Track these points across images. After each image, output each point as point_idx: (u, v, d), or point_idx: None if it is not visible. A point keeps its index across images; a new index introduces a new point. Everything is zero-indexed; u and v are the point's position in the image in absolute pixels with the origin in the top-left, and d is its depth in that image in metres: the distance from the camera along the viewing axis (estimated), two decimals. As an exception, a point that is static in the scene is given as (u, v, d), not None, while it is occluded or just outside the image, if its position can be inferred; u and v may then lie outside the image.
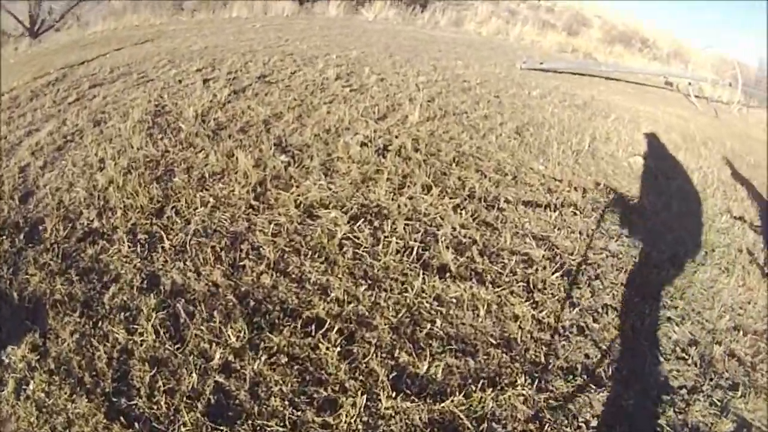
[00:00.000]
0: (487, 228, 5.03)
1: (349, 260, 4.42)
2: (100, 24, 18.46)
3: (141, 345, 3.65)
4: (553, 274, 4.49)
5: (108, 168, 5.93)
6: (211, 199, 5.29)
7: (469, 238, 4.83)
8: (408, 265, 4.39)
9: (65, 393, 3.29)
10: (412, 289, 4.08)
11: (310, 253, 4.56)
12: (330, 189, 5.45)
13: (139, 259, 4.52)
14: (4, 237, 4.98)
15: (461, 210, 5.23)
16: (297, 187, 5.52)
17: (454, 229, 4.93)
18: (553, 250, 4.85)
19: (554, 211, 5.43)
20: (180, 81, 9.32)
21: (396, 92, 9.23)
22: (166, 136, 6.77)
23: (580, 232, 5.18)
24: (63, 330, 3.84)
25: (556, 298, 4.24)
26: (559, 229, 5.18)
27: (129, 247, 4.65)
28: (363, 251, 4.53)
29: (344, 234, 4.72)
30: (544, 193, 5.87)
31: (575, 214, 5.52)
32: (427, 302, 4.01)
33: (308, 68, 10.39)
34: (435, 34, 19.24)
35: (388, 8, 22.60)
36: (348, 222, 4.88)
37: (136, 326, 3.81)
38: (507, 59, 15.76)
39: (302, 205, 5.16)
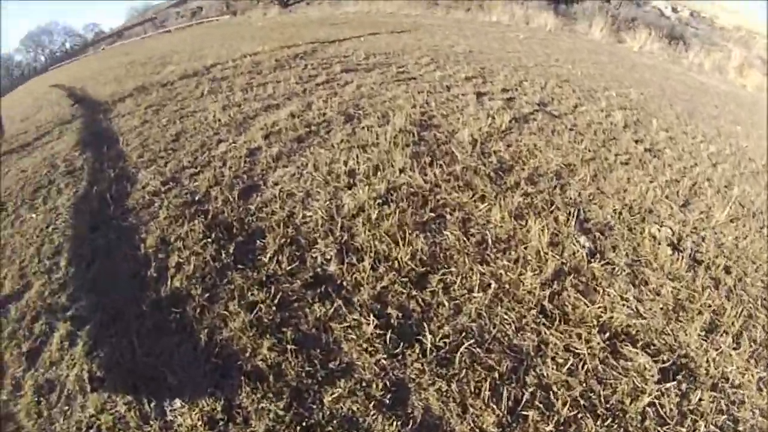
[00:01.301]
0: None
1: (650, 447, 2.89)
2: (352, 5, 17.99)
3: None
4: None
5: (359, 188, 4.62)
6: (492, 282, 3.77)
7: (767, 442, 3.21)
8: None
9: None
10: None
11: (609, 417, 2.96)
12: (639, 314, 3.83)
13: (385, 355, 3.09)
14: (210, 240, 3.87)
15: (765, 388, 3.50)
16: (602, 295, 3.90)
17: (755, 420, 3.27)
18: None
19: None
20: (448, 88, 8.00)
21: (691, 163, 7.36)
22: (436, 162, 5.32)
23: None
24: (257, 419, 2.66)
25: None
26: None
27: (375, 326, 3.25)
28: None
29: (651, 398, 3.13)
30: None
31: None
32: None
33: (590, 104, 8.72)
34: (704, 82, 17.12)
35: (652, 41, 20.65)
36: (657, 379, 3.28)
37: (363, 465, 2.45)
38: (782, 131, 13.51)
39: (607, 331, 3.58)
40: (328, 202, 4.39)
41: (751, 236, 5.67)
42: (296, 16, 16.85)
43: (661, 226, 5.08)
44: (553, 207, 4.85)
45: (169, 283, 3.52)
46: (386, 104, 6.76)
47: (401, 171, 5.00)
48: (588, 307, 3.69)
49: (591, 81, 10.74)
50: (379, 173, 4.92)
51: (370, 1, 18.55)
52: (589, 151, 6.51)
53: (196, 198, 4.47)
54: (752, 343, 3.89)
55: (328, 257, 3.76)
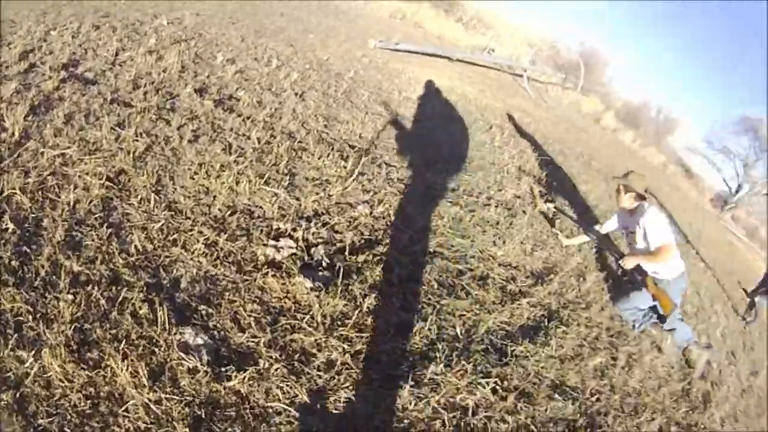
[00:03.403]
0: None
1: None
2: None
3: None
4: None
5: None
6: None
7: None
8: None
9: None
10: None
11: None
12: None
13: None
14: None
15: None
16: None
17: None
18: None
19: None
20: None
21: (276, 107, 6.00)
22: None
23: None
24: None
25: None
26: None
27: None
28: None
29: None
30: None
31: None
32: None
33: (135, 46, 6.54)
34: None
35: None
36: None
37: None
38: (353, 29, 13.70)
39: None
40: None
41: (385, 211, 4.63)
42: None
43: (281, 245, 3.73)
44: (107, 288, 2.93)
45: None
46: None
47: None
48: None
49: (136, 10, 8.46)
50: None
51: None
52: (143, 135, 4.49)
53: None
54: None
55: None
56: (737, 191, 46.40)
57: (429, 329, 3.53)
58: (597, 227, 6.18)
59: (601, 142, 15.26)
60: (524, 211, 6.22)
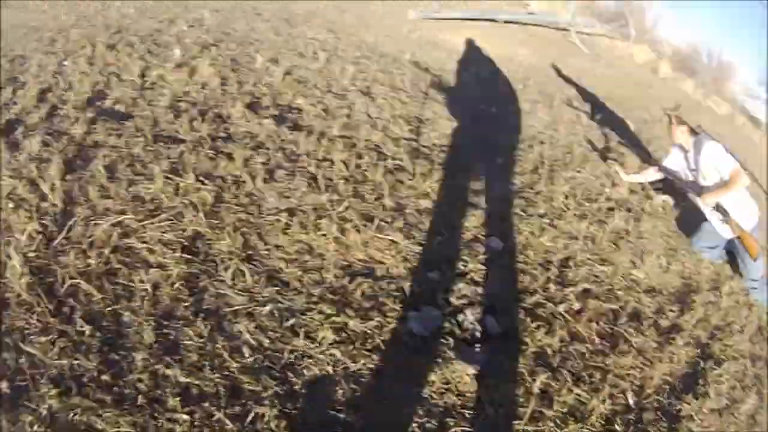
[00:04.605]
0: None
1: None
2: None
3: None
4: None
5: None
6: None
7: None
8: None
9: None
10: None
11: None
12: None
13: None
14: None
15: None
16: None
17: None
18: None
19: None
20: None
21: (347, 113, 5.17)
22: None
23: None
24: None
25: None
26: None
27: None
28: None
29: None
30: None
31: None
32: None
33: (154, 57, 5.72)
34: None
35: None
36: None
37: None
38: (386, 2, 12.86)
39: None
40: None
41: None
42: None
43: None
44: (229, 404, 2.30)
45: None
46: None
47: None
48: None
49: (149, 18, 7.53)
50: None
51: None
52: (205, 179, 3.67)
53: None
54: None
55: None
56: (816, 139, 44.99)
57: (603, 402, 2.86)
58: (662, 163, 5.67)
59: (671, 98, 14.40)
60: (644, 210, 5.40)
